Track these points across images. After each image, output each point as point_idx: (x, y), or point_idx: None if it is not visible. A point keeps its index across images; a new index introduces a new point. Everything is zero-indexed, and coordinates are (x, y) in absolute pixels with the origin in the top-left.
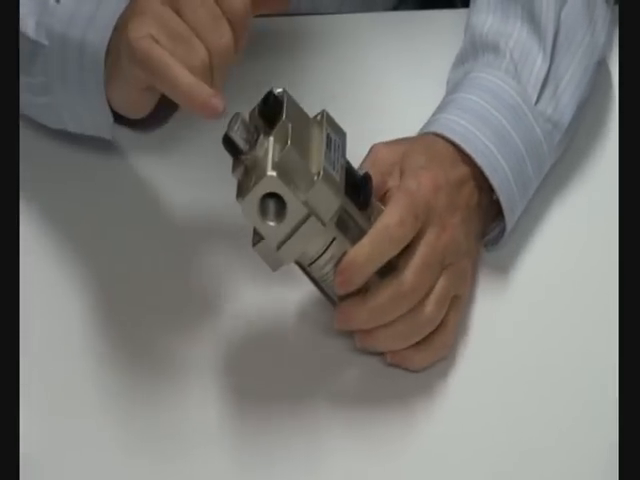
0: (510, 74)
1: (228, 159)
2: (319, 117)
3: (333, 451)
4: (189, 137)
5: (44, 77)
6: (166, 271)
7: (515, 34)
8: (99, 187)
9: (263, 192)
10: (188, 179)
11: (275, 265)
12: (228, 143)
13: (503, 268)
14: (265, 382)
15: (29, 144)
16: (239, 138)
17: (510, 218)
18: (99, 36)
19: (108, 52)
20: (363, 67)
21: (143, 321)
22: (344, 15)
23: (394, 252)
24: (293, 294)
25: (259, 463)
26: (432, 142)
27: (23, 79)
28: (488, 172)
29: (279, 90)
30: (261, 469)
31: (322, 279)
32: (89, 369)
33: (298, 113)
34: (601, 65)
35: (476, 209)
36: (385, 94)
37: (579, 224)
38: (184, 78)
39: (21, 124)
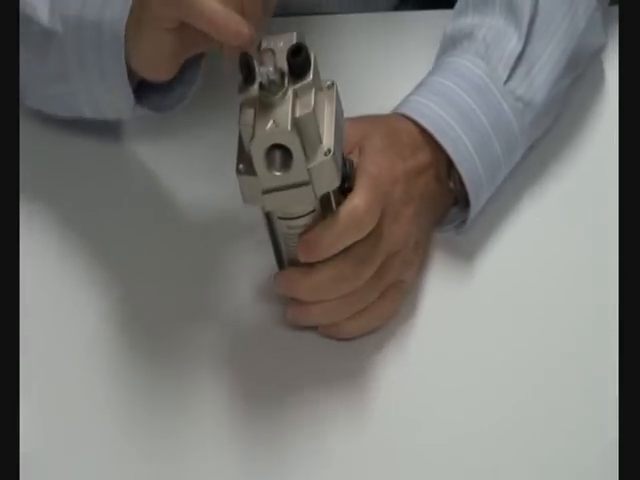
0: (480, 55)
1: (233, 154)
2: (329, 86)
3: (335, 448)
4: (194, 130)
5: (60, 65)
6: (168, 269)
7: (492, 22)
8: (100, 182)
9: (276, 141)
10: (191, 173)
11: (250, 201)
12: (245, 66)
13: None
14: (264, 380)
15: (29, 141)
16: (258, 67)
17: (474, 192)
18: (117, 11)
19: (127, 22)
20: (363, 67)
21: (143, 320)
22: (344, 15)
23: (360, 237)
24: None
25: (261, 464)
26: (395, 126)
27: (37, 70)
28: (449, 148)
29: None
30: (262, 470)
31: (285, 237)
32: (89, 369)
33: (317, 76)
34: (593, 56)
35: (431, 199)
36: (385, 94)
37: (580, 224)
38: (217, 6)
39: (21, 120)
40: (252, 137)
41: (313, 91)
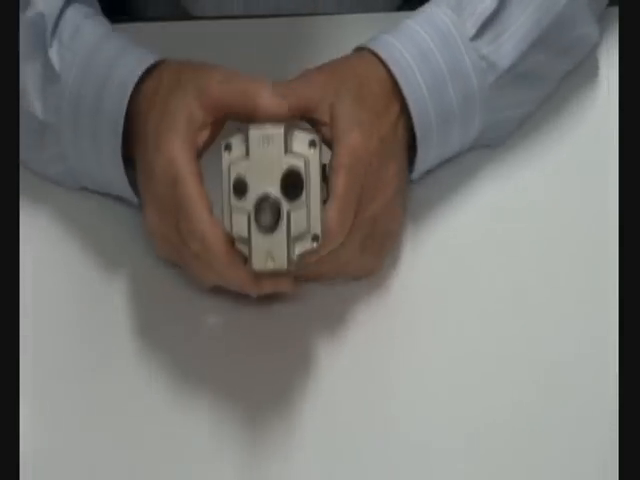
0: (451, 7)
1: None
2: (311, 143)
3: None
4: None
5: (57, 147)
6: (165, 268)
7: None
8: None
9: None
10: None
11: None
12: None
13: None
14: (265, 378)
15: None
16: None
17: (423, 133)
18: (115, 103)
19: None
20: None
21: (144, 319)
22: (344, 16)
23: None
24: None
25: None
26: (365, 75)
27: (33, 156)
28: (405, 89)
29: (299, 167)
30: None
31: None
32: (89, 369)
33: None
34: (583, 45)
35: (405, 147)
36: None
37: (580, 225)
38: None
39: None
40: (248, 262)
41: (305, 209)
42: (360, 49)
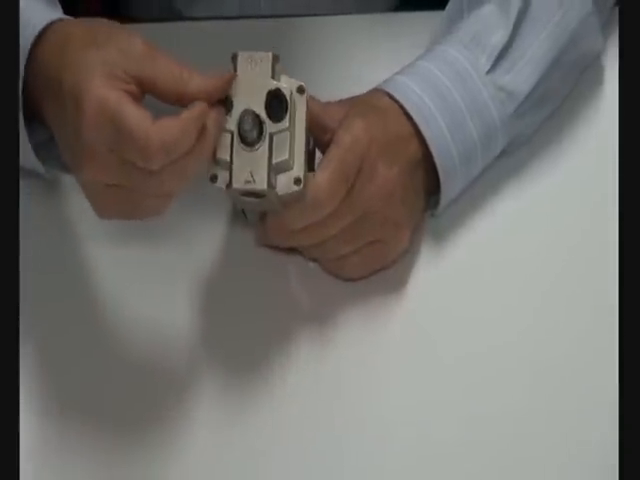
0: (463, 44)
1: None
2: (299, 90)
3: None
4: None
5: None
6: (164, 266)
7: (481, 12)
8: None
9: (252, 192)
10: None
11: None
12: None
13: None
14: (264, 376)
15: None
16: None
17: (445, 173)
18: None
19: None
20: (359, 69)
21: (144, 318)
22: (338, 17)
23: (324, 215)
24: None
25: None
26: (377, 99)
27: None
28: (422, 125)
29: (284, 88)
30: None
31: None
32: (89, 369)
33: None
34: (590, 60)
35: (420, 163)
36: None
37: (580, 226)
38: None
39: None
40: (229, 183)
41: (289, 135)
42: (375, 91)
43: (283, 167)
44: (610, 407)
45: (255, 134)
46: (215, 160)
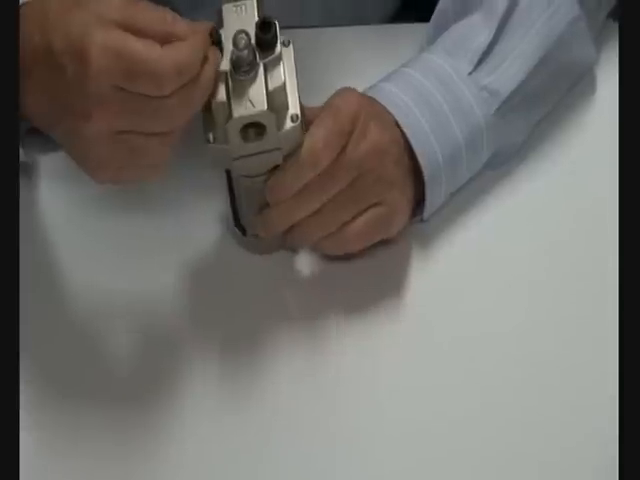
0: (446, 50)
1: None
2: (284, 43)
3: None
4: None
5: None
6: (162, 265)
7: (466, 21)
8: None
9: (253, 120)
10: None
11: (219, 167)
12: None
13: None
14: (262, 375)
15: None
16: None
17: (431, 174)
18: None
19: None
20: (352, 81)
21: (143, 318)
22: (332, 28)
23: (320, 170)
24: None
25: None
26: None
27: None
28: (404, 125)
29: (272, 18)
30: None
31: (247, 190)
32: (89, 369)
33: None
34: (582, 69)
35: (407, 148)
36: None
37: (581, 227)
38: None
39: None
40: (229, 117)
41: (282, 63)
42: None
43: (279, 99)
44: (610, 401)
45: (250, 56)
46: (214, 103)
